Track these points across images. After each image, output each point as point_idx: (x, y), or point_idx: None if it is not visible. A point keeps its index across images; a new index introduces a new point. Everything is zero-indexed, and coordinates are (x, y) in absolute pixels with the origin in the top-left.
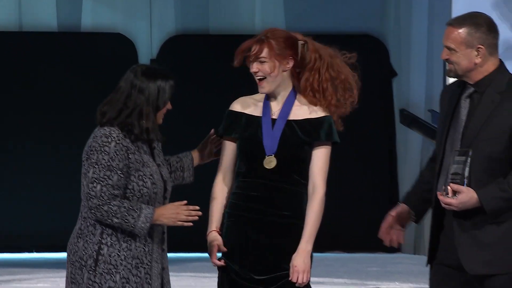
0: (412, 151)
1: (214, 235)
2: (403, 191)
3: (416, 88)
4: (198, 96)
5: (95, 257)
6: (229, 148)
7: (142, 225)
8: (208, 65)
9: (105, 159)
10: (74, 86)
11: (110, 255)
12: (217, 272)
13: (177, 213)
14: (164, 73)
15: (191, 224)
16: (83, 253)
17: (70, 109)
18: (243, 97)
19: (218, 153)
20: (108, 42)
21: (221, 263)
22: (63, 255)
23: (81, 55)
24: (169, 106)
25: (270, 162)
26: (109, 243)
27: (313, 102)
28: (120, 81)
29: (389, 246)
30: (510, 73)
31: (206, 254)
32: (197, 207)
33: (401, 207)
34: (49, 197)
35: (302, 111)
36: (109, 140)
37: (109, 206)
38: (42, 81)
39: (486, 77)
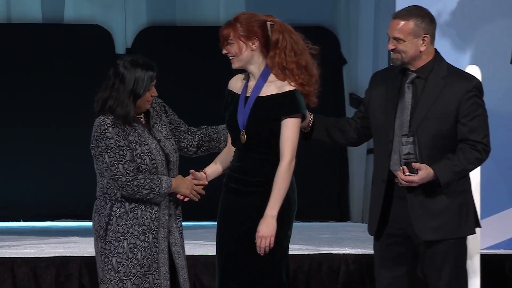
0: None
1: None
2: (352, 166)
3: (364, 74)
4: (167, 83)
5: (105, 227)
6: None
7: (165, 191)
8: (176, 54)
9: (112, 143)
10: (59, 72)
11: (118, 225)
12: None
13: (192, 186)
14: (145, 64)
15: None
16: (98, 225)
17: (55, 90)
18: (239, 74)
19: None
20: (88, 33)
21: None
22: (48, 224)
23: (64, 44)
24: (154, 93)
25: (242, 137)
26: (117, 215)
27: (281, 79)
28: (109, 70)
29: None
30: (445, 61)
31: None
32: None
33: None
34: (35, 170)
35: (271, 87)
36: (106, 126)
37: (138, 180)
38: (30, 67)
39: (427, 63)
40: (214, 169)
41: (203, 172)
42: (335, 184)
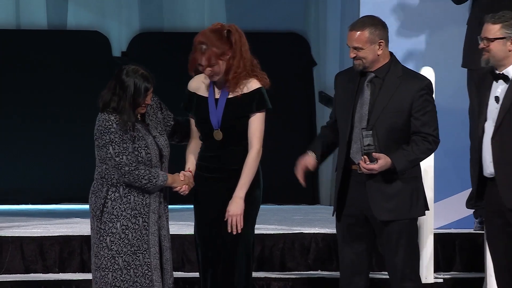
0: None
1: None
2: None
3: (331, 74)
4: (158, 82)
5: (101, 208)
6: (193, 121)
7: (161, 183)
8: (165, 57)
9: (116, 137)
10: (62, 71)
11: (113, 208)
12: None
13: (188, 181)
14: (143, 76)
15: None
16: (94, 206)
17: (59, 87)
18: (197, 76)
19: None
20: (88, 38)
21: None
22: (52, 206)
23: (67, 48)
24: (148, 101)
25: (218, 135)
26: (112, 198)
27: (245, 78)
28: (114, 73)
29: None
30: (400, 63)
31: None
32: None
33: (309, 154)
34: (42, 159)
35: (238, 88)
36: (111, 122)
37: (139, 170)
38: (37, 67)
39: (384, 65)
40: (193, 163)
41: (189, 171)
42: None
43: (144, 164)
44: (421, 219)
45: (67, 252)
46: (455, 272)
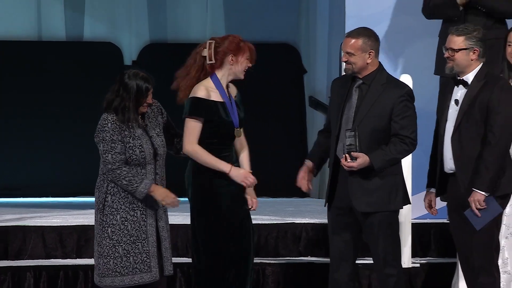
0: (316, 125)
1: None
2: None
3: (320, 80)
4: (164, 89)
5: (103, 202)
6: (200, 125)
7: (142, 190)
8: (171, 66)
9: (107, 136)
10: (79, 78)
11: (112, 201)
12: None
13: (166, 196)
14: (143, 77)
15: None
16: (97, 200)
17: (77, 91)
18: (199, 85)
19: None
20: (102, 48)
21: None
22: (71, 199)
23: (83, 57)
24: (149, 100)
25: (239, 132)
26: (112, 193)
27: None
28: (116, 78)
29: (304, 192)
30: (386, 71)
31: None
32: (179, 201)
33: (308, 163)
34: (61, 156)
35: (233, 90)
36: (106, 122)
37: (121, 170)
38: (57, 74)
39: (372, 73)
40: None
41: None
42: (297, 167)
43: (138, 162)
44: (400, 211)
45: (83, 240)
46: (431, 258)
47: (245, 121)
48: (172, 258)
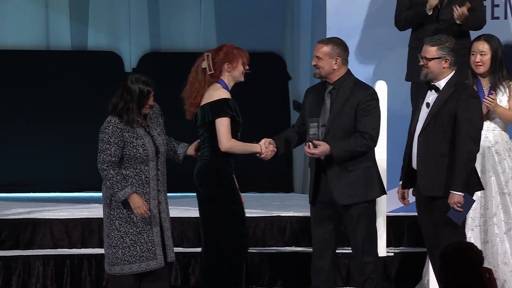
0: None
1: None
2: (294, 151)
3: (303, 86)
4: (163, 95)
5: (110, 197)
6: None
7: (120, 196)
8: (168, 73)
9: (105, 137)
10: (83, 84)
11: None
12: None
13: (139, 207)
14: (145, 81)
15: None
16: (105, 195)
17: (82, 96)
18: (218, 89)
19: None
20: (104, 57)
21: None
22: (76, 194)
23: (87, 65)
24: (151, 102)
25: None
26: None
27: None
28: (120, 83)
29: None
30: (355, 77)
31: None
32: (149, 213)
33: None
34: (67, 154)
35: None
36: (108, 124)
37: (108, 171)
38: (63, 80)
39: (340, 78)
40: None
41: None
42: (282, 164)
43: (141, 159)
44: (376, 204)
45: (88, 231)
46: (404, 248)
47: None
48: None
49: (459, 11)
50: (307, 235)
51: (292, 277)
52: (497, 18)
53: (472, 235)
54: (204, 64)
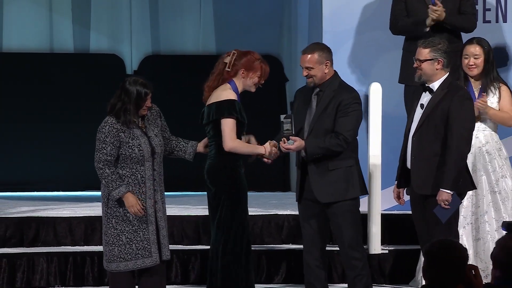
0: None
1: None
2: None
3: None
4: (164, 96)
5: (107, 196)
6: (235, 123)
7: (114, 195)
8: (169, 75)
9: (102, 137)
10: (85, 86)
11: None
12: None
13: (132, 206)
14: (142, 83)
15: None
16: (103, 194)
17: (84, 97)
18: (227, 89)
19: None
20: (106, 60)
21: None
22: (79, 193)
23: (89, 67)
24: (148, 104)
25: (242, 136)
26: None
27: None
28: (119, 84)
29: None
30: (341, 78)
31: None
32: (142, 212)
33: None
34: (70, 154)
35: None
36: (105, 124)
37: (103, 170)
38: (66, 82)
39: (327, 81)
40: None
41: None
42: (280, 164)
43: (137, 159)
44: (371, 203)
45: (90, 229)
46: (398, 245)
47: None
48: (169, 246)
49: (438, 11)
50: None
51: (289, 274)
52: (489, 21)
53: (464, 233)
54: (227, 60)
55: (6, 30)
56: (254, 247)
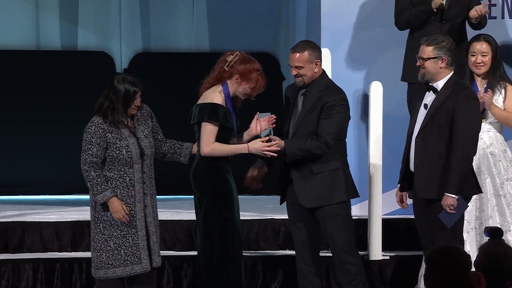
0: None
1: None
2: None
3: None
4: (154, 95)
5: (95, 200)
6: (217, 129)
7: (99, 199)
8: (160, 73)
9: (88, 137)
10: (73, 85)
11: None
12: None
13: (117, 211)
14: (131, 81)
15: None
16: (91, 198)
17: (72, 97)
18: (216, 91)
19: None
20: (95, 57)
21: None
22: (66, 197)
23: (77, 65)
24: (137, 103)
25: (234, 141)
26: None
27: None
28: (107, 83)
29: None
30: (329, 78)
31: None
32: (127, 218)
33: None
34: (57, 156)
35: (239, 100)
36: (91, 124)
37: (89, 172)
38: (53, 81)
39: (314, 81)
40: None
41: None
42: (275, 166)
43: (125, 161)
44: (371, 207)
45: (78, 234)
46: (399, 251)
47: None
48: (161, 252)
49: (482, 12)
50: None
51: (286, 281)
52: (494, 17)
53: (468, 238)
54: (229, 58)
55: None
56: (249, 252)
